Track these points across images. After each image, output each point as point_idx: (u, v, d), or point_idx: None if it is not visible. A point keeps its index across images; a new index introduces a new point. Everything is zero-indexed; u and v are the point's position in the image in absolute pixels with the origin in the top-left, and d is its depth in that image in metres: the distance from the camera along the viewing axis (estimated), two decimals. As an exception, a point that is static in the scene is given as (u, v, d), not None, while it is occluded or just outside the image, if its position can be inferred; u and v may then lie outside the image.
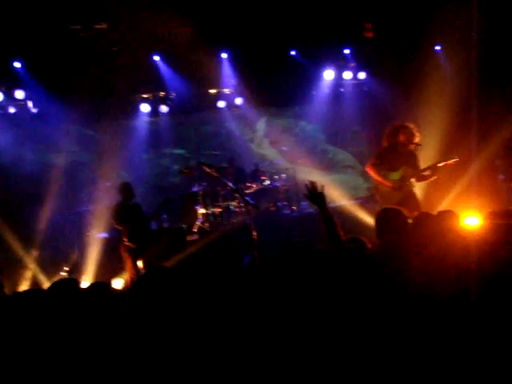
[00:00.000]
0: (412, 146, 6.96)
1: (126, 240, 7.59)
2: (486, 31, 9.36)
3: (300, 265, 3.39)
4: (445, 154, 9.16)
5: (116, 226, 7.80)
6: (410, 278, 3.17)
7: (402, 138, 6.91)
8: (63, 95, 8.86)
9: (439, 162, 6.85)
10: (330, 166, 12.55)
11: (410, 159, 6.98)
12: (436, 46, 10.63)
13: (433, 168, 6.82)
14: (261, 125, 11.29)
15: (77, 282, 3.23)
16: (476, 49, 9.78)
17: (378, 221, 3.96)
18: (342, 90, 11.29)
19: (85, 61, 8.73)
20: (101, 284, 3.40)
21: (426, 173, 6.90)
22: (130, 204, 7.80)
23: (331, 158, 12.90)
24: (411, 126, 7.02)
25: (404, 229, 3.82)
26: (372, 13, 9.74)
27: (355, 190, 10.68)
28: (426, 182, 7.20)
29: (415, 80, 10.20)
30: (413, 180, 7.00)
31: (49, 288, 3.28)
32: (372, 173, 7.08)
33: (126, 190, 7.79)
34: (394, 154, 6.99)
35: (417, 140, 6.94)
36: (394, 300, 3.10)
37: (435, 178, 6.87)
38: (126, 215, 7.68)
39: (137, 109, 10.26)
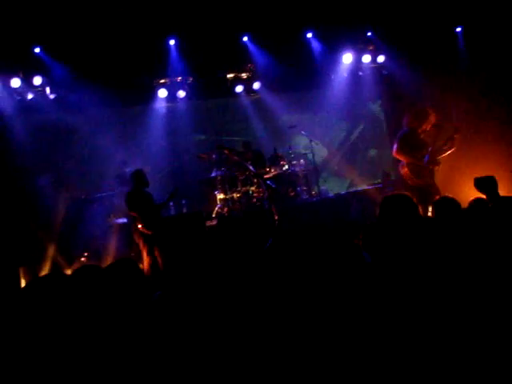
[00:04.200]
0: (431, 128, 7.57)
1: (140, 227, 7.58)
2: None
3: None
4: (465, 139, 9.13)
5: (130, 213, 7.80)
6: None
7: (419, 122, 7.49)
8: (83, 78, 8.83)
9: (453, 135, 7.47)
10: (349, 149, 12.43)
11: (431, 137, 7.58)
12: (457, 27, 10.43)
13: (450, 139, 7.44)
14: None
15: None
16: (498, 31, 9.61)
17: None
18: (360, 73, 11.14)
19: (103, 44, 8.70)
20: (128, 260, 3.31)
21: (446, 146, 7.49)
22: (143, 191, 7.80)
23: (350, 141, 12.77)
24: (427, 110, 7.58)
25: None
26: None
27: (374, 175, 10.57)
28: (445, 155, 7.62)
29: (435, 63, 10.02)
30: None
31: (72, 274, 3.25)
32: (402, 157, 7.50)
33: (137, 176, 7.78)
34: (416, 136, 7.51)
35: (434, 122, 7.54)
36: None
37: (452, 150, 7.48)
38: (139, 201, 7.67)
39: (154, 94, 10.21)
